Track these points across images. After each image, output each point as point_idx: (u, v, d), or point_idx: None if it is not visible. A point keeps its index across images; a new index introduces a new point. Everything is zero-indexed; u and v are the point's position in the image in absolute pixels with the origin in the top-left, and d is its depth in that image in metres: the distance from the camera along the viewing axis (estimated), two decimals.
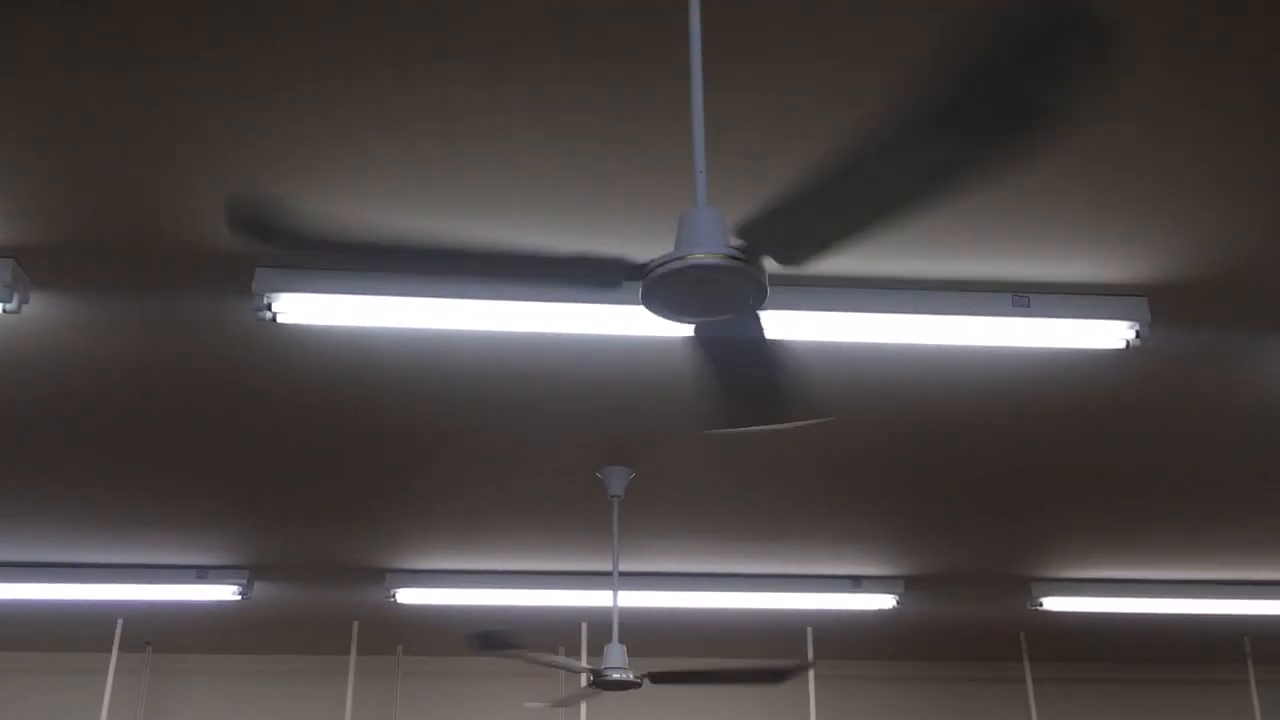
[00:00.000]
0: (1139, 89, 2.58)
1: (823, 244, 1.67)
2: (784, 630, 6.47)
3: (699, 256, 1.75)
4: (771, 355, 2.10)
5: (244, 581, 5.50)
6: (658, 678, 4.32)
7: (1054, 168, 2.83)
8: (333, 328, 3.47)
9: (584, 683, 6.23)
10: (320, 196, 2.91)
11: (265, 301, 3.17)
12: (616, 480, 4.47)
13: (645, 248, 3.12)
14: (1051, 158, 2.79)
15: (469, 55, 2.47)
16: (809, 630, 5.98)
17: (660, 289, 1.83)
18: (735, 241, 1.75)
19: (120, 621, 6.10)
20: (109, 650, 6.73)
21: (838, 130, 2.69)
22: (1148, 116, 2.66)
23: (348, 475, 4.50)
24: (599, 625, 6.36)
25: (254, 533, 5.08)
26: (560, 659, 4.25)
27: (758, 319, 2.00)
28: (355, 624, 6.32)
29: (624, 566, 5.57)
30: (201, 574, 5.49)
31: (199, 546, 5.24)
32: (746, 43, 2.43)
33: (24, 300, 3.22)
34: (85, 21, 2.37)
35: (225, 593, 5.55)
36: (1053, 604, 5.79)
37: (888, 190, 1.52)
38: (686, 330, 3.42)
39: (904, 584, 5.74)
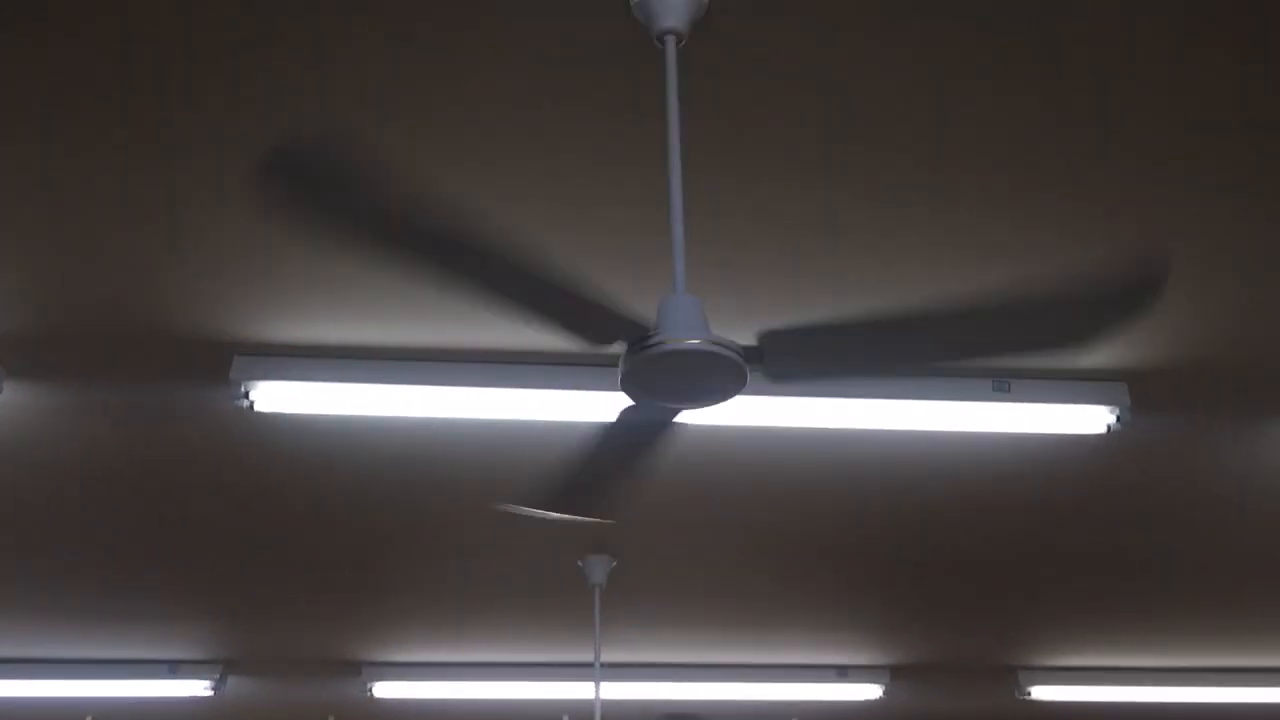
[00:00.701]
0: (1115, 172, 2.61)
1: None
2: None
3: (673, 342, 1.75)
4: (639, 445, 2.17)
5: (217, 676, 5.38)
6: None
7: (1032, 252, 2.84)
8: (310, 416, 3.44)
9: None
10: (300, 264, 2.90)
11: (243, 390, 3.14)
12: (598, 569, 4.41)
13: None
14: (1028, 244, 2.81)
15: (464, 115, 2.48)
16: None
17: (638, 374, 1.82)
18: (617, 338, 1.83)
19: None
20: None
21: (818, 212, 2.70)
22: (1129, 201, 2.69)
23: (325, 565, 4.43)
24: (580, 719, 6.24)
25: (228, 625, 4.98)
26: None
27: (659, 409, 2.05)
28: None
29: (606, 657, 5.48)
30: (173, 669, 5.37)
31: (171, 640, 5.14)
32: (726, 129, 2.45)
33: None
34: (51, 108, 2.38)
35: (197, 688, 5.42)
36: (1041, 693, 5.72)
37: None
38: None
39: (889, 673, 5.66)
